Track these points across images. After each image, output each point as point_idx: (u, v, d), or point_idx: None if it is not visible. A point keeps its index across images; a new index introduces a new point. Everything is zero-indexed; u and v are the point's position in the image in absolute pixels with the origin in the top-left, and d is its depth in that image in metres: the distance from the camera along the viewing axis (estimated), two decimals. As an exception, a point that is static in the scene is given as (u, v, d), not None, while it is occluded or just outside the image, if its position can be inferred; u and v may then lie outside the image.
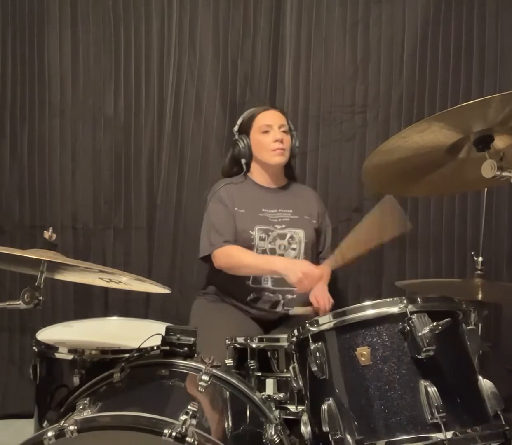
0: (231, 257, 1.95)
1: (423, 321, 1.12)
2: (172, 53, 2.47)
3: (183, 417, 1.07)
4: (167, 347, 1.44)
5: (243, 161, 2.10)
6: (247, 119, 2.11)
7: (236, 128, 2.14)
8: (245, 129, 2.10)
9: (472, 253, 1.81)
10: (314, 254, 2.12)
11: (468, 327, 1.23)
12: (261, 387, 1.50)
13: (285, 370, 1.51)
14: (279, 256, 1.99)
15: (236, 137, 2.12)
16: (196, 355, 1.44)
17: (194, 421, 1.08)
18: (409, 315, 1.13)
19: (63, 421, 1.06)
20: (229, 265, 1.96)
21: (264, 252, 2.00)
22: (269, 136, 2.04)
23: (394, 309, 1.16)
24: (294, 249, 2.03)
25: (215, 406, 1.34)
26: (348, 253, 1.80)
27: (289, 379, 1.36)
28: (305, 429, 1.25)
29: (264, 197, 2.09)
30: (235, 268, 1.96)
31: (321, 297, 1.91)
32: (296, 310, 1.91)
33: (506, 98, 1.08)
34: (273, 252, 2.01)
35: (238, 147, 2.09)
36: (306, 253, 2.05)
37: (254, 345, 1.55)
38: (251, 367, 1.53)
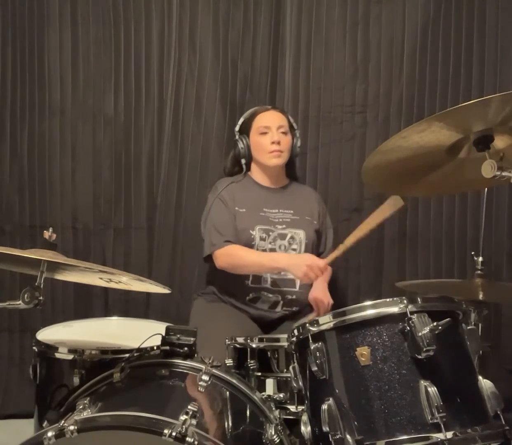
0: (232, 256, 1.95)
1: (423, 321, 1.12)
2: (172, 53, 2.47)
3: (183, 417, 1.07)
4: (167, 347, 1.44)
5: (243, 161, 2.10)
6: (247, 119, 2.11)
7: (237, 128, 2.14)
8: (245, 130, 2.10)
9: (472, 253, 1.81)
10: (315, 255, 2.11)
11: (468, 327, 1.23)
12: (261, 387, 1.51)
13: (285, 370, 1.51)
14: (281, 253, 1.99)
15: (237, 137, 2.12)
16: (196, 355, 1.44)
17: (194, 421, 1.07)
18: (409, 315, 1.13)
19: (63, 421, 1.06)
20: (231, 265, 1.96)
21: (264, 252, 2.00)
22: (267, 137, 2.04)
23: (394, 309, 1.16)
24: (294, 249, 2.03)
25: (215, 406, 1.34)
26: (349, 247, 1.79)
27: (289, 379, 1.36)
28: (305, 429, 1.25)
29: (265, 197, 2.09)
30: (237, 268, 1.95)
31: (321, 299, 1.91)
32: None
33: (506, 98, 1.08)
34: (273, 252, 2.01)
35: (237, 147, 2.10)
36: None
37: (254, 345, 1.55)
38: (251, 367, 1.53)
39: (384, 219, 1.72)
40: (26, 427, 1.80)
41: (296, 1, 2.45)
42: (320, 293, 1.97)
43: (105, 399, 1.28)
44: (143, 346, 1.45)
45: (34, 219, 2.50)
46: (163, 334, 1.45)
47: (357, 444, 1.10)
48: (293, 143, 2.09)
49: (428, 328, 1.11)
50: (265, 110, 2.12)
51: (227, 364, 1.56)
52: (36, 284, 1.24)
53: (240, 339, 1.58)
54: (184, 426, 1.04)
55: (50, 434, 1.04)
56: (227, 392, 1.39)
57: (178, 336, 1.44)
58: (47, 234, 1.32)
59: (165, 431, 1.02)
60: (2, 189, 2.52)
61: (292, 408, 1.47)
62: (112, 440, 1.07)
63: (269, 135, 2.04)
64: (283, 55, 2.48)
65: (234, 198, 2.04)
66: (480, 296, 1.68)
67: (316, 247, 2.12)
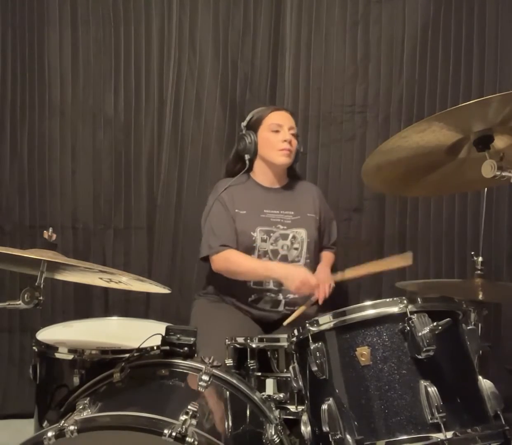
0: (229, 262, 1.95)
1: (423, 321, 1.12)
2: (172, 53, 2.47)
3: (183, 417, 1.07)
4: (167, 347, 1.44)
5: (246, 157, 2.08)
6: (257, 116, 2.09)
7: (244, 123, 2.12)
8: (254, 126, 2.08)
9: (472, 253, 1.81)
10: (317, 252, 2.12)
11: (468, 327, 1.23)
12: (261, 387, 1.51)
13: (285, 370, 1.51)
14: (278, 262, 1.98)
15: (244, 132, 2.10)
16: (196, 355, 1.44)
17: (194, 421, 1.08)
18: (409, 315, 1.13)
19: (63, 421, 1.07)
20: (227, 270, 1.97)
21: (265, 253, 2.00)
22: (279, 135, 2.03)
23: (394, 309, 1.16)
24: (296, 249, 2.03)
25: (215, 406, 1.34)
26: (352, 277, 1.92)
27: (289, 379, 1.36)
28: (305, 429, 1.26)
29: (266, 198, 2.08)
30: (232, 273, 1.96)
31: (322, 281, 1.90)
32: (290, 319, 1.88)
33: (506, 98, 1.08)
34: (275, 253, 2.01)
35: (244, 142, 2.07)
36: (308, 253, 2.05)
37: (254, 345, 1.55)
38: (251, 367, 1.53)
39: (388, 269, 1.90)
40: (26, 427, 1.80)
41: (296, 1, 2.45)
42: (321, 276, 1.96)
43: (105, 399, 1.28)
44: (143, 346, 1.45)
45: (34, 219, 2.50)
46: (163, 334, 1.46)
47: (357, 444, 1.10)
48: (297, 148, 2.09)
49: (428, 328, 1.11)
50: (277, 109, 2.11)
51: (227, 364, 1.56)
52: (36, 284, 1.24)
53: (240, 339, 1.58)
54: (184, 426, 1.04)
55: (50, 434, 1.04)
56: (227, 392, 1.39)
57: (178, 336, 1.44)
58: (47, 234, 1.32)
59: (165, 431, 1.02)
60: (2, 189, 2.51)
61: (292, 408, 1.47)
62: (112, 440, 1.07)
63: (281, 134, 2.03)
64: (283, 55, 2.48)
65: (233, 200, 2.03)
66: (480, 296, 1.68)
67: (318, 244, 2.12)
